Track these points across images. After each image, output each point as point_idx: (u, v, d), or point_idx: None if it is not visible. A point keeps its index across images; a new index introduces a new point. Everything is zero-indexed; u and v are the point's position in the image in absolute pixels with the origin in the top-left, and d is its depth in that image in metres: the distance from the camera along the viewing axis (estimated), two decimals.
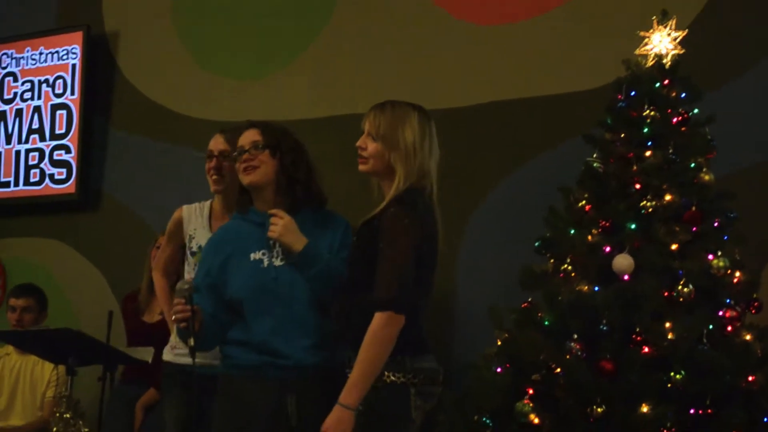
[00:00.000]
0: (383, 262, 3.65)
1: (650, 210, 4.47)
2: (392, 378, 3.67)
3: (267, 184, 4.19)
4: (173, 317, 3.98)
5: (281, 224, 4.07)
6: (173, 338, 4.61)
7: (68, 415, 4.72)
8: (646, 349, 4.23)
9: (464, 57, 6.01)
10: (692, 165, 4.59)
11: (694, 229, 4.48)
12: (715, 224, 4.55)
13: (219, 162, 4.59)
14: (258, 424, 4.07)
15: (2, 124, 7.61)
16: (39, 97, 7.49)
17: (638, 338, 4.27)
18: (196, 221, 4.70)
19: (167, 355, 4.63)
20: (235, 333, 4.16)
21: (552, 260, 4.71)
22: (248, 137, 4.23)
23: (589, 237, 4.56)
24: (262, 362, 4.07)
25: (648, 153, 4.60)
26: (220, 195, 4.68)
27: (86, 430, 4.76)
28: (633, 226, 4.46)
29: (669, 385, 4.17)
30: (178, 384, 4.55)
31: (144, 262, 5.97)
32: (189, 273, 4.62)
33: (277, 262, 4.12)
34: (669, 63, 4.78)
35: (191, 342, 3.90)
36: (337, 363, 3.95)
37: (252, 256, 4.16)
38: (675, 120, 4.66)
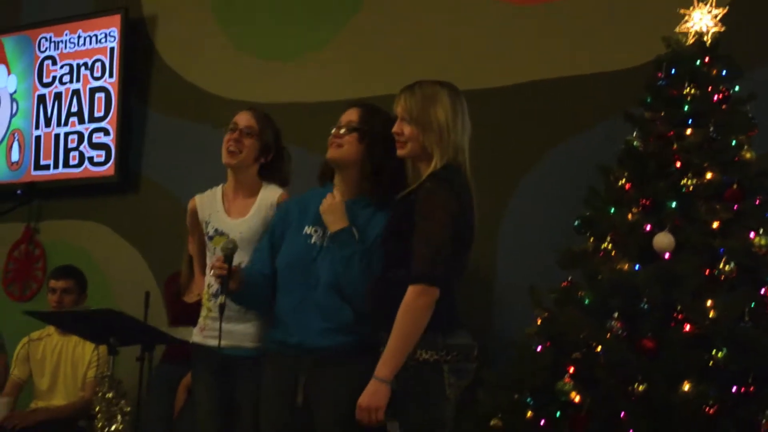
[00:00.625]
0: (418, 236, 3.67)
1: (691, 188, 4.46)
2: (424, 356, 3.68)
3: (348, 165, 4.23)
4: (211, 272, 4.06)
5: (329, 202, 4.13)
6: (202, 320, 4.63)
7: (110, 395, 4.74)
8: (688, 328, 4.22)
9: (502, 36, 5.98)
10: (733, 143, 4.56)
11: (735, 207, 4.45)
12: (757, 202, 4.51)
13: (240, 136, 4.58)
14: (267, 400, 4.20)
15: (42, 107, 7.65)
16: (78, 81, 7.52)
17: (679, 316, 4.27)
18: (210, 206, 4.69)
19: (196, 337, 4.63)
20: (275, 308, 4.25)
21: (592, 239, 4.70)
22: (347, 116, 4.28)
23: (630, 216, 4.54)
24: (280, 341, 4.16)
25: (688, 131, 4.58)
26: (231, 172, 4.67)
27: (128, 409, 4.78)
28: (673, 205, 4.44)
29: (710, 364, 4.15)
30: (207, 366, 4.58)
31: (184, 244, 5.99)
32: (211, 259, 4.65)
33: (325, 242, 4.16)
34: (709, 40, 4.75)
35: (221, 300, 4.00)
36: (355, 348, 3.99)
37: (306, 229, 4.23)
38: (716, 98, 4.63)
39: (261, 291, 4.25)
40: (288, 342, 4.13)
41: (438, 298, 3.65)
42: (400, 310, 3.64)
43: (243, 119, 4.63)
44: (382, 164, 4.17)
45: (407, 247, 3.70)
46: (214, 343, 4.33)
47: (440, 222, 3.66)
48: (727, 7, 4.81)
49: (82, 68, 7.51)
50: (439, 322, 3.69)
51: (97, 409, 4.76)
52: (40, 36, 7.76)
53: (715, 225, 4.41)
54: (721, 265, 4.30)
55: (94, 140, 7.34)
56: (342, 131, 4.21)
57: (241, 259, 4.42)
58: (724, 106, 4.63)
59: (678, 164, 4.52)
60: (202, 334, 4.61)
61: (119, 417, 4.74)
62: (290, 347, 4.12)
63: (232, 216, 4.61)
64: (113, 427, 4.72)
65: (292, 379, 4.11)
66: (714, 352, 4.14)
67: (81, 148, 7.40)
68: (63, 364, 6.10)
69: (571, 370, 4.35)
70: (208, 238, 4.64)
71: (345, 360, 4.00)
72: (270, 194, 4.59)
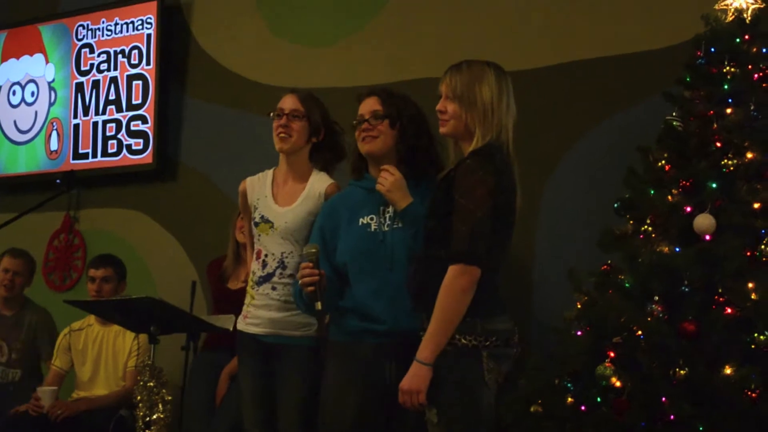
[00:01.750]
0: (457, 214, 3.64)
1: (731, 168, 4.40)
2: (463, 341, 3.66)
3: (385, 154, 4.22)
4: (300, 281, 4.04)
5: (390, 180, 4.11)
6: (245, 307, 4.65)
7: (151, 384, 4.76)
8: (729, 310, 4.17)
9: (542, 17, 5.93)
10: None
11: None
12: None
13: (288, 120, 4.59)
14: (354, 389, 4.14)
15: (79, 95, 7.67)
16: (115, 68, 7.53)
17: (721, 299, 4.22)
18: (260, 191, 4.71)
19: (240, 324, 4.66)
20: (343, 301, 4.22)
21: (632, 221, 4.66)
22: (368, 106, 4.27)
23: (670, 197, 4.49)
24: (362, 329, 4.13)
25: (729, 110, 4.52)
26: (284, 156, 4.68)
27: (169, 398, 4.80)
28: (714, 185, 4.39)
29: (753, 347, 4.12)
30: (250, 353, 4.58)
31: (226, 231, 5.99)
32: (256, 245, 4.64)
33: (385, 227, 4.15)
34: (749, 18, 4.67)
35: (318, 306, 3.98)
36: None
37: (361, 220, 4.23)
38: (756, 76, 4.56)
39: (333, 294, 4.20)
40: (376, 330, 4.10)
41: (479, 280, 3.62)
42: (441, 291, 3.62)
43: (288, 103, 4.65)
44: (415, 145, 4.18)
45: (446, 226, 3.68)
46: (256, 330, 4.37)
47: (479, 199, 3.63)
48: None
49: (120, 56, 7.51)
50: (479, 307, 3.66)
51: (138, 397, 4.79)
52: (77, 24, 7.77)
53: (757, 205, 4.34)
54: (762, 246, 4.25)
55: (132, 128, 7.35)
56: (372, 122, 4.20)
57: (284, 249, 4.43)
58: (764, 85, 4.56)
59: (718, 144, 4.47)
60: (244, 321, 4.63)
61: (161, 405, 4.76)
62: (377, 335, 4.10)
63: (278, 203, 4.63)
64: (155, 416, 4.75)
65: (380, 367, 4.09)
66: (756, 335, 4.10)
67: (119, 136, 7.41)
68: (104, 353, 6.12)
69: (612, 354, 4.31)
70: (254, 223, 4.65)
71: None
72: (319, 184, 4.61)
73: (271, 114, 4.66)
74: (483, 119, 3.80)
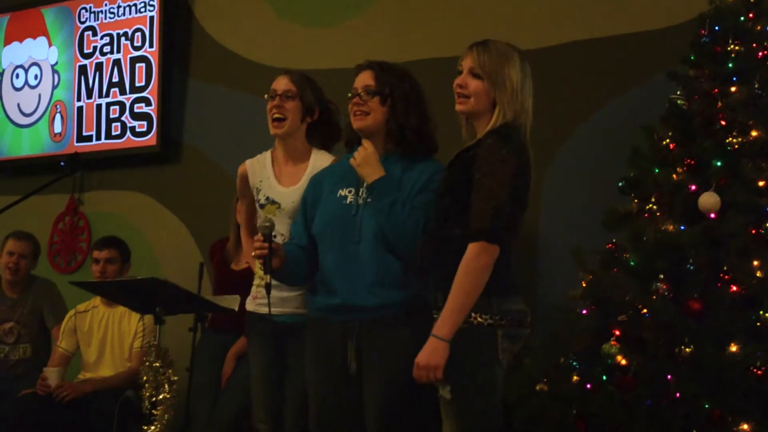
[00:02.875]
0: (479, 192, 3.63)
1: (736, 146, 4.40)
2: (479, 319, 3.64)
3: (376, 131, 4.21)
4: (252, 254, 4.06)
5: (363, 154, 4.11)
6: (254, 288, 4.66)
7: (157, 364, 4.76)
8: (734, 288, 4.19)
9: None
10: None
11: None
12: None
13: (281, 101, 4.59)
14: (315, 371, 4.19)
15: (83, 78, 7.67)
16: (118, 51, 7.52)
17: (726, 277, 4.23)
18: (261, 172, 4.69)
19: (249, 305, 4.67)
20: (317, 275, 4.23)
21: (636, 200, 4.67)
22: (362, 80, 4.25)
23: (674, 176, 4.50)
24: (326, 306, 4.14)
25: (733, 88, 4.51)
26: (279, 139, 4.67)
27: (175, 378, 4.80)
28: (719, 164, 4.39)
29: (758, 324, 4.13)
30: (260, 333, 4.59)
31: (229, 213, 5.99)
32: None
33: (360, 201, 4.14)
34: None
35: (267, 279, 3.97)
36: (405, 308, 3.98)
37: (339, 192, 4.22)
38: (760, 54, 4.55)
39: (301, 264, 4.22)
40: (330, 303, 4.11)
41: (495, 261, 3.63)
42: (460, 269, 3.61)
43: (281, 84, 4.64)
44: (405, 122, 4.16)
45: (463, 204, 3.68)
46: (266, 310, 4.35)
47: (501, 178, 3.62)
48: None
49: (122, 38, 7.51)
50: (496, 286, 3.66)
51: (144, 378, 4.78)
52: (80, 7, 7.76)
53: (761, 183, 4.34)
54: (767, 224, 4.25)
55: (136, 110, 7.35)
56: (363, 97, 4.19)
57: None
58: None
59: (723, 122, 4.46)
60: (254, 302, 4.64)
61: (167, 386, 4.76)
62: (334, 310, 4.10)
63: (283, 184, 4.62)
64: (161, 396, 4.75)
65: (339, 348, 4.10)
66: (762, 312, 4.12)
67: (123, 118, 7.41)
68: (110, 335, 6.13)
69: (617, 332, 4.32)
70: (259, 205, 4.65)
71: (395, 324, 3.98)
72: (321, 161, 4.59)
73: (266, 96, 4.66)
74: (509, 101, 3.79)
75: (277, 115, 4.58)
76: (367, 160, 4.10)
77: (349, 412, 4.10)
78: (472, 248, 3.60)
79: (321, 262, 4.21)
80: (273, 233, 4.02)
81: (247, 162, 4.79)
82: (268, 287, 3.97)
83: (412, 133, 4.16)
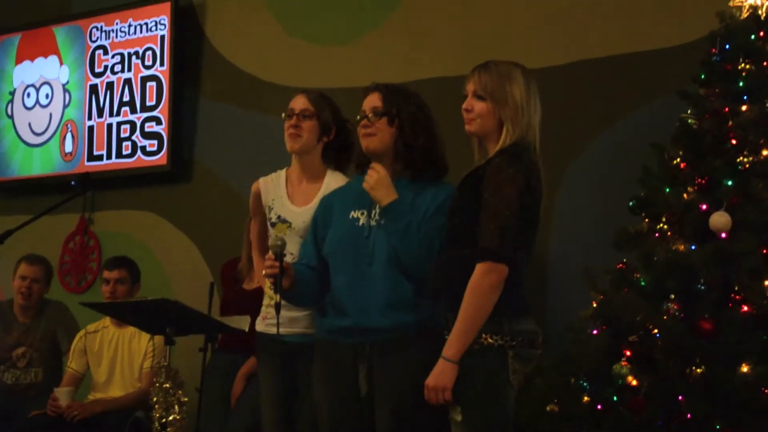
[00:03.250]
0: (486, 212, 3.63)
1: (747, 165, 4.39)
2: (489, 340, 3.64)
3: (384, 152, 4.20)
4: (264, 272, 4.07)
5: (375, 177, 4.08)
6: (264, 308, 4.66)
7: (167, 385, 4.75)
8: (746, 308, 4.17)
9: (557, 16, 5.92)
10: None
11: None
12: None
13: (299, 120, 4.60)
14: (324, 394, 4.18)
15: (93, 97, 7.68)
16: (129, 70, 7.54)
17: (737, 297, 4.22)
18: (274, 191, 4.70)
19: (259, 326, 4.67)
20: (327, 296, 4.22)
21: (647, 219, 4.66)
22: (370, 102, 4.25)
23: (685, 195, 4.48)
24: (337, 328, 4.13)
25: (744, 107, 4.50)
26: (296, 157, 4.68)
27: (185, 399, 4.79)
28: (730, 183, 4.38)
29: None
30: (270, 354, 4.58)
31: (242, 234, 5.98)
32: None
33: (373, 222, 4.13)
34: (764, 14, 4.66)
35: (276, 298, 3.97)
36: (417, 331, 3.96)
37: (352, 214, 4.21)
38: None
39: (310, 286, 4.21)
40: (341, 325, 4.10)
41: (506, 282, 3.62)
42: (468, 289, 3.61)
43: (298, 103, 4.65)
44: (413, 142, 4.16)
45: (472, 224, 3.67)
46: (275, 330, 4.34)
47: (508, 198, 3.62)
48: None
49: (133, 57, 7.53)
50: (507, 307, 3.66)
51: (154, 399, 4.77)
52: (91, 26, 7.79)
53: None
54: None
55: (147, 129, 7.36)
56: (371, 118, 4.19)
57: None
58: None
59: (734, 141, 4.45)
60: (264, 322, 4.63)
61: (177, 407, 4.75)
62: (345, 332, 4.09)
63: (295, 203, 4.62)
64: (171, 417, 4.73)
65: (350, 370, 4.09)
66: None
67: (133, 137, 7.42)
68: (120, 355, 6.13)
69: (628, 353, 4.31)
70: (270, 224, 4.65)
71: (406, 347, 3.96)
72: (334, 182, 4.59)
73: (283, 115, 4.66)
74: (515, 117, 3.80)
75: (293, 134, 4.59)
76: (380, 182, 4.08)
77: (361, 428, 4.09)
78: (479, 268, 3.60)
79: (332, 283, 4.20)
80: (284, 252, 4.03)
81: (261, 180, 4.80)
82: (278, 306, 3.96)
83: (420, 153, 4.16)
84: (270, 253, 4.03)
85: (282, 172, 4.77)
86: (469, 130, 3.91)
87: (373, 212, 4.15)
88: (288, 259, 4.33)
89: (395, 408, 3.94)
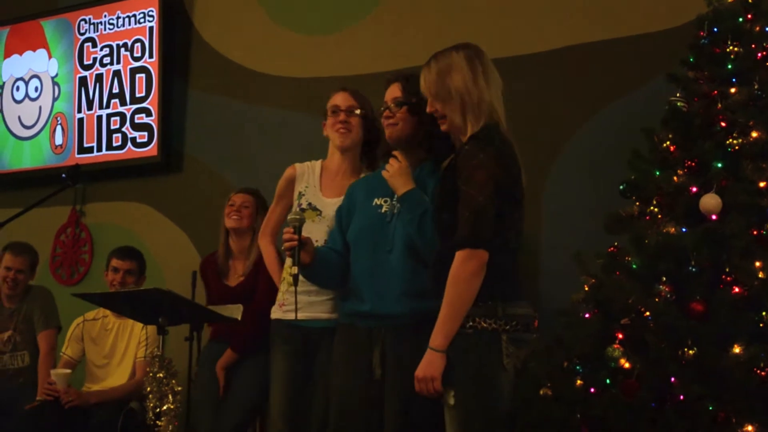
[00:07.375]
0: (462, 201, 3.64)
1: (737, 148, 4.40)
2: (483, 324, 3.65)
3: (407, 140, 4.25)
4: (283, 246, 4.11)
5: (395, 167, 4.16)
6: (281, 296, 4.72)
7: (161, 375, 4.75)
8: (737, 289, 4.18)
9: (543, 2, 5.94)
10: None
11: None
12: None
13: (347, 117, 4.68)
14: (341, 375, 4.23)
15: (83, 89, 7.68)
16: (118, 62, 7.53)
17: (728, 278, 4.23)
18: (309, 179, 4.80)
19: (276, 313, 4.73)
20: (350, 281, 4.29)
21: (637, 203, 4.68)
22: (391, 93, 4.31)
23: (675, 178, 4.50)
24: (354, 312, 4.20)
25: (733, 90, 4.53)
26: (339, 152, 4.76)
27: (179, 388, 4.79)
28: (719, 165, 4.40)
29: (761, 325, 4.12)
30: (287, 341, 4.64)
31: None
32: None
33: (395, 210, 4.20)
34: None
35: (294, 270, 4.02)
36: (431, 318, 3.94)
37: (375, 201, 4.29)
38: (759, 55, 4.57)
39: (333, 267, 4.29)
40: (359, 310, 4.16)
41: (496, 267, 3.63)
42: (449, 278, 3.62)
43: (343, 100, 4.75)
44: (431, 130, 4.16)
45: (456, 215, 3.68)
46: (293, 316, 4.37)
47: (480, 182, 3.62)
48: None
49: (122, 49, 7.52)
50: (499, 291, 3.68)
51: (148, 389, 4.77)
52: (79, 18, 7.78)
53: (762, 184, 4.35)
54: None
55: (137, 121, 7.36)
56: (392, 109, 4.24)
57: (328, 237, 4.51)
58: None
59: (723, 124, 4.47)
60: (281, 309, 4.69)
61: (170, 396, 4.75)
62: (362, 316, 4.15)
63: (325, 194, 4.71)
64: (165, 407, 4.73)
65: (365, 352, 4.14)
66: (764, 313, 4.12)
67: (123, 129, 7.42)
68: (118, 344, 6.12)
69: (620, 335, 4.32)
70: (300, 209, 4.69)
71: (419, 333, 3.91)
72: None
73: (330, 111, 4.72)
74: (462, 107, 3.82)
75: (343, 130, 4.69)
76: (398, 172, 4.15)
77: (370, 414, 4.13)
78: (458, 257, 3.61)
79: (352, 269, 4.27)
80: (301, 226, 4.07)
81: (297, 165, 4.88)
82: (295, 278, 4.02)
83: (440, 140, 4.17)
84: (289, 226, 4.07)
85: (317, 163, 4.86)
86: (444, 129, 3.94)
87: (395, 200, 4.21)
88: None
89: (404, 391, 3.94)
